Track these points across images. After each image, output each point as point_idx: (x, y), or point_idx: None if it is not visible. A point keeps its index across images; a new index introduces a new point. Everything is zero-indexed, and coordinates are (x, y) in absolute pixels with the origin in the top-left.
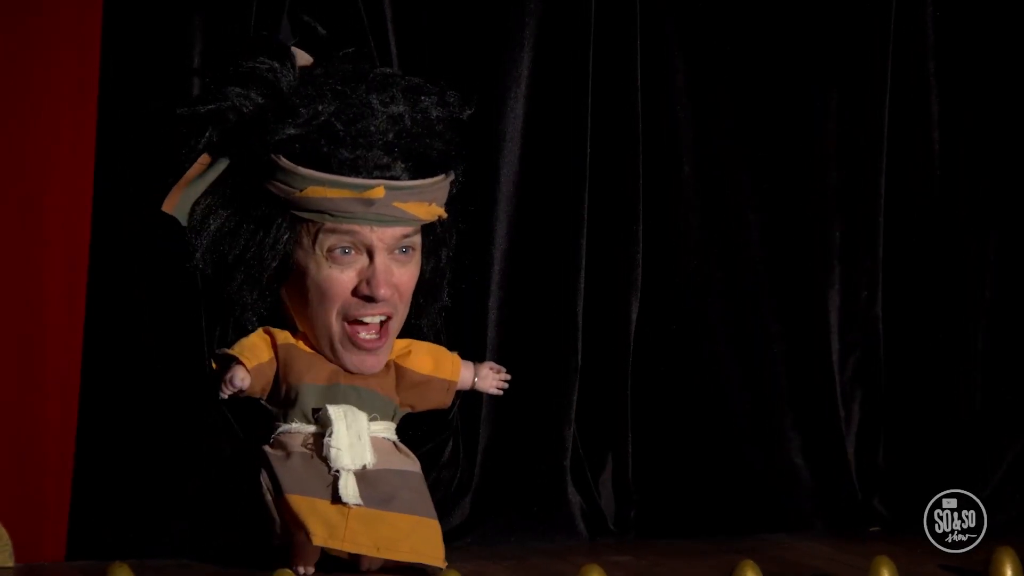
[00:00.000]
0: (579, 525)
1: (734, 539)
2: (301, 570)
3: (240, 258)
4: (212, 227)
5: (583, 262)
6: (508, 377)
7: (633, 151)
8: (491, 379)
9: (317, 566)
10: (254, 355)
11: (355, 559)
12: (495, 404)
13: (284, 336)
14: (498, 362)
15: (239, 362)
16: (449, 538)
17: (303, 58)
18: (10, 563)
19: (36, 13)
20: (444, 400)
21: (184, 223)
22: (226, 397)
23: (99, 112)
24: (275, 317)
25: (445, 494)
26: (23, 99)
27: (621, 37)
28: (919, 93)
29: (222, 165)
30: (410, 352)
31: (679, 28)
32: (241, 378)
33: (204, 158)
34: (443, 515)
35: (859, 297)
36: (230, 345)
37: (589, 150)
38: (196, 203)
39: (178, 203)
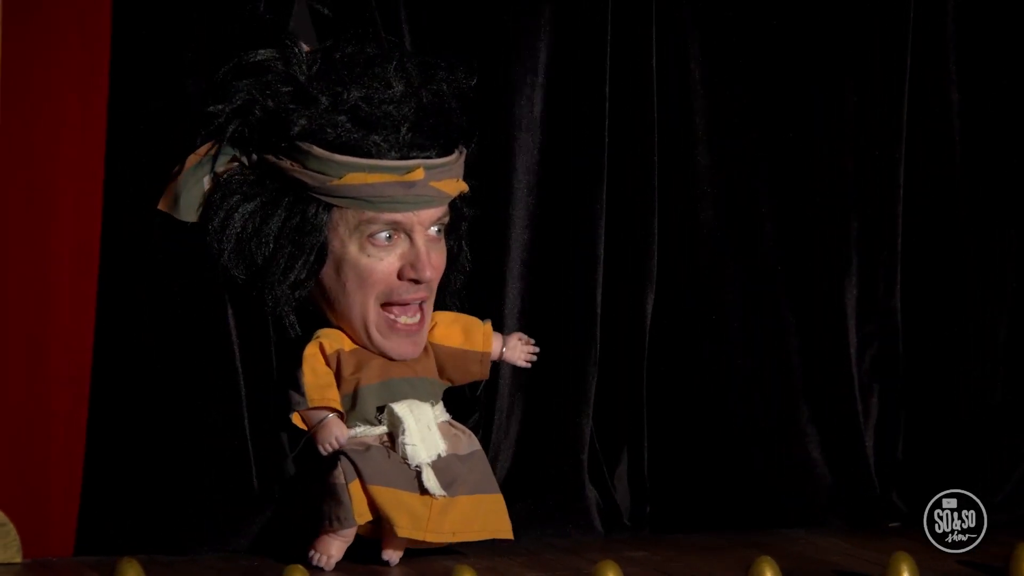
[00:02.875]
0: (595, 520)
1: (751, 534)
2: (323, 560)
3: (273, 254)
4: (236, 226)
5: (602, 254)
6: (536, 349)
7: (649, 142)
8: (519, 350)
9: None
10: (331, 388)
11: (376, 546)
12: (513, 397)
13: (329, 343)
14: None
15: (329, 410)
16: None
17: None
18: (18, 558)
19: (43, 10)
20: (481, 372)
21: (192, 219)
22: (328, 453)
23: (109, 111)
24: (305, 311)
25: None
26: (32, 99)
27: (637, 26)
28: (939, 83)
29: (225, 157)
30: (436, 325)
31: (695, 17)
32: (342, 435)
33: (199, 152)
34: None
35: (877, 289)
36: (283, 368)
37: (607, 140)
38: (215, 206)
39: (171, 200)
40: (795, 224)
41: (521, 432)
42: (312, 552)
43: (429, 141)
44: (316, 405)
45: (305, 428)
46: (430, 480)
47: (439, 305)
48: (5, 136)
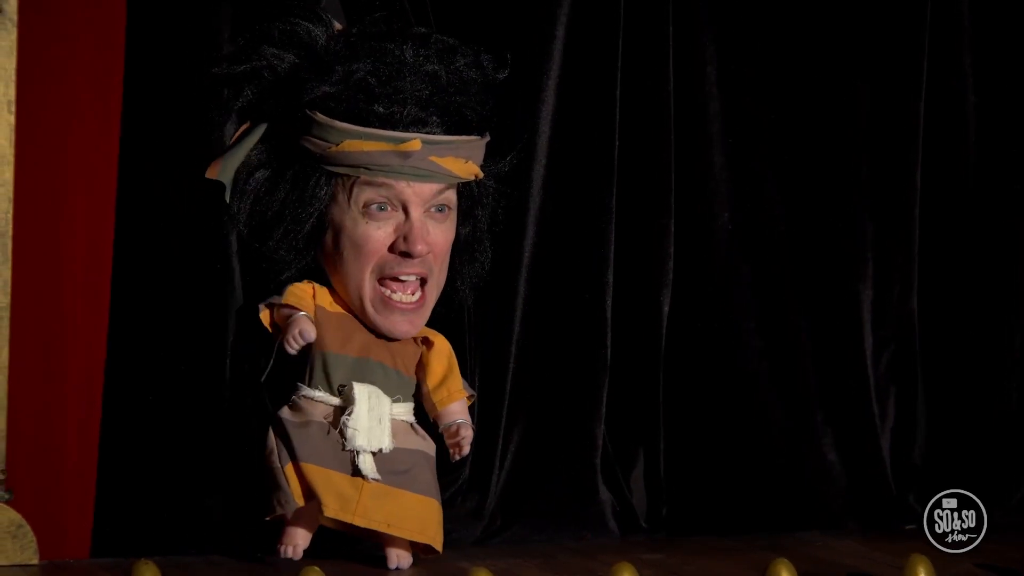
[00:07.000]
0: (610, 523)
1: (767, 537)
2: (290, 551)
3: (278, 216)
4: (251, 188)
5: (612, 256)
6: (464, 452)
7: (665, 143)
8: (454, 437)
9: (338, 555)
10: (307, 302)
11: (382, 553)
12: (524, 401)
13: (322, 295)
14: (523, 358)
15: (299, 311)
16: (480, 537)
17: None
18: (35, 560)
19: (58, 2)
20: (429, 413)
21: (228, 187)
22: (295, 352)
23: (123, 106)
24: (312, 275)
25: (474, 492)
26: (46, 94)
27: (652, 27)
28: (955, 85)
29: (260, 129)
30: (433, 346)
31: (711, 18)
32: (309, 331)
33: (245, 125)
34: (472, 514)
35: (893, 292)
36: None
37: (619, 143)
38: (237, 170)
39: (221, 168)
40: (811, 226)
41: (530, 437)
42: (279, 546)
43: (432, 117)
44: (288, 301)
45: (270, 330)
46: (365, 463)
47: (448, 297)
48: (20, 133)
